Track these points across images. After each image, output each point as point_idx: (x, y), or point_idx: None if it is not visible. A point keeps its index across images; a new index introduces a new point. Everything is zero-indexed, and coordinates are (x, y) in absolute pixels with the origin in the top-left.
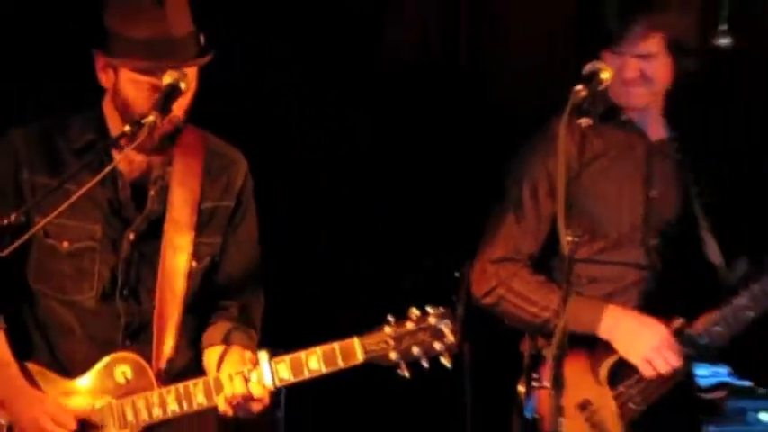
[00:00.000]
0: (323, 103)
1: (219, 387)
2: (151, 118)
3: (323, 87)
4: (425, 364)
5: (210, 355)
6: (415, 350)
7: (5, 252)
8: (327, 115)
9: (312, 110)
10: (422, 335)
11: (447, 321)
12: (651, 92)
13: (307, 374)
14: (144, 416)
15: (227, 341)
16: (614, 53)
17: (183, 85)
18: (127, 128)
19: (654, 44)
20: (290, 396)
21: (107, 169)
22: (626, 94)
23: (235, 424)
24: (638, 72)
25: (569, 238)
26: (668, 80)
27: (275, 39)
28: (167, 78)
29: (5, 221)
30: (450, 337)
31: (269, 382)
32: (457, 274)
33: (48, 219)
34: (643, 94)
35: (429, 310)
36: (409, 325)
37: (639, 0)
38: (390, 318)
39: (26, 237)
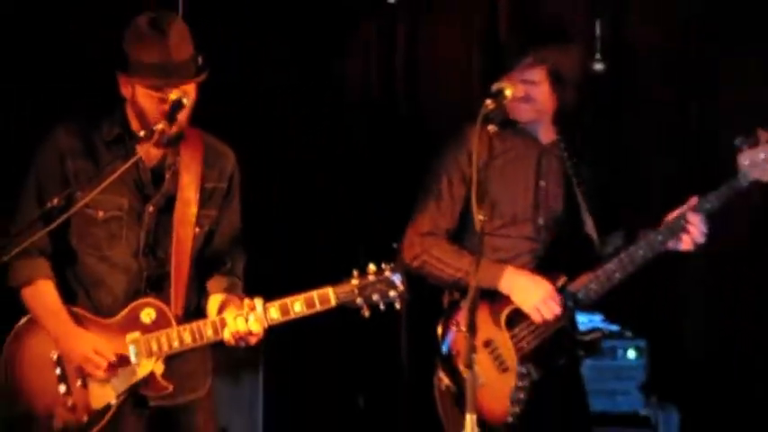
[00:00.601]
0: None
1: (224, 325)
2: (161, 126)
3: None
4: (382, 307)
5: (213, 301)
6: (375, 297)
7: (54, 224)
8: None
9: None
10: (380, 285)
11: (398, 275)
12: (534, 109)
13: (292, 315)
14: (165, 347)
15: (226, 291)
16: (509, 78)
17: (185, 101)
18: (143, 133)
19: (536, 73)
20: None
21: (132, 160)
22: (516, 109)
23: (226, 356)
24: (525, 93)
25: (480, 217)
26: (550, 102)
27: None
28: (173, 95)
29: (50, 204)
30: (401, 287)
31: (263, 321)
32: (394, 245)
33: (89, 196)
34: (528, 110)
35: (384, 265)
36: (370, 277)
37: (530, 39)
38: (355, 272)
39: (72, 211)
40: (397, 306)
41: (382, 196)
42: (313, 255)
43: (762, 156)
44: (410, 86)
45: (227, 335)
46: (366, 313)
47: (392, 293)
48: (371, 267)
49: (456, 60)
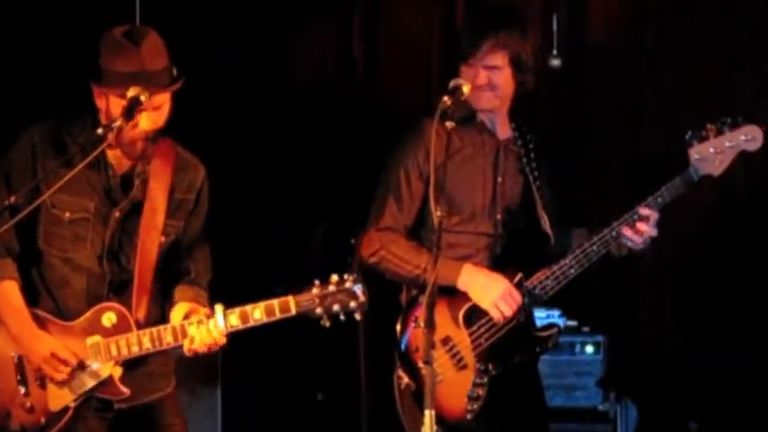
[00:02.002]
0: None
1: (184, 331)
2: (119, 123)
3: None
4: (342, 317)
5: (178, 310)
6: (336, 307)
7: (14, 220)
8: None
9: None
10: (340, 295)
11: (360, 285)
12: (497, 96)
13: (252, 323)
14: (125, 352)
15: (191, 300)
16: (469, 65)
17: (143, 98)
18: (100, 130)
19: (499, 58)
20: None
21: (94, 153)
22: (477, 97)
23: (185, 361)
24: (487, 80)
25: (438, 213)
26: (511, 88)
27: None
28: (131, 92)
29: (7, 202)
30: (362, 298)
31: (222, 328)
32: (352, 241)
33: (50, 191)
34: (490, 97)
35: (346, 276)
36: (331, 287)
37: (490, 23)
38: (317, 281)
39: (33, 206)
40: (358, 317)
41: (342, 184)
42: (275, 249)
43: (711, 150)
44: (369, 72)
45: (186, 342)
46: (326, 323)
47: (353, 304)
48: (333, 277)
49: (415, 46)
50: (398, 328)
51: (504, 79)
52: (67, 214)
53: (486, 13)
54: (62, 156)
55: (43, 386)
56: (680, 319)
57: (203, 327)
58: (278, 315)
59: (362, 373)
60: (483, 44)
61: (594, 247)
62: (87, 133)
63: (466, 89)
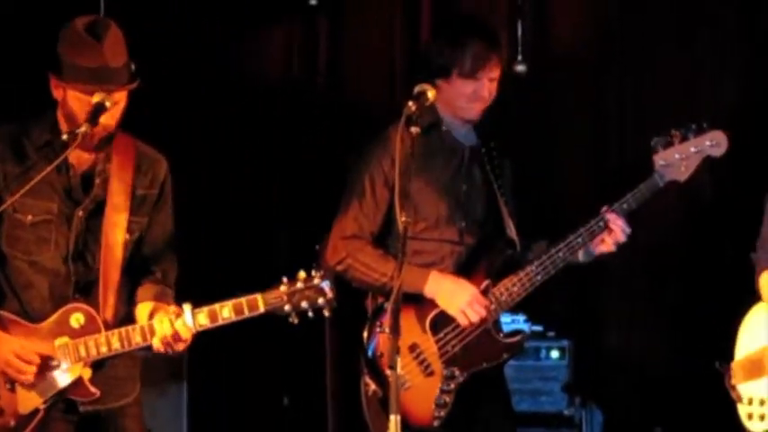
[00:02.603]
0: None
1: (152, 331)
2: (83, 129)
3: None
4: (311, 314)
5: (143, 309)
6: (304, 304)
7: None
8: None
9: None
10: (308, 292)
11: (327, 282)
12: (484, 107)
13: (220, 321)
14: (93, 353)
15: (155, 299)
16: (476, 79)
17: (108, 104)
18: (65, 136)
19: (498, 70)
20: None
21: (57, 161)
22: (471, 109)
23: (152, 362)
24: (490, 93)
25: (404, 219)
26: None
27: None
28: (96, 98)
29: None
30: (330, 295)
31: (191, 327)
32: (317, 247)
33: (14, 198)
34: (480, 109)
35: (314, 273)
36: (299, 284)
37: (495, 42)
38: (284, 279)
39: None
40: (326, 313)
41: (307, 191)
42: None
43: (677, 156)
44: (333, 76)
45: (155, 341)
46: (294, 320)
47: (321, 300)
48: (301, 274)
49: (378, 55)
50: (365, 335)
51: (495, 91)
52: (30, 217)
53: (482, 26)
54: (22, 161)
55: (12, 389)
56: (646, 324)
57: (169, 324)
58: (246, 313)
59: (329, 377)
60: (493, 58)
61: (561, 254)
62: (54, 136)
63: (431, 94)
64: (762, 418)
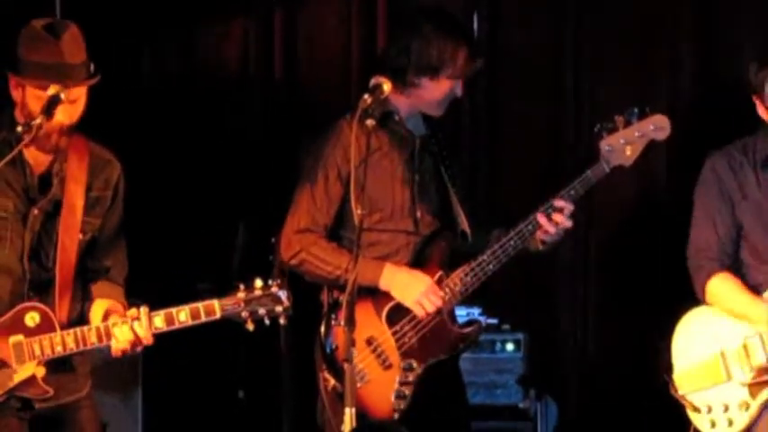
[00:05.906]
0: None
1: (108, 332)
2: (38, 120)
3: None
4: (267, 321)
5: (97, 308)
6: (261, 311)
7: None
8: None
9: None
10: (265, 300)
11: (285, 291)
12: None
13: (177, 325)
14: (48, 351)
15: (108, 297)
16: (455, 78)
17: (62, 95)
18: (19, 128)
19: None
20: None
21: (10, 155)
22: (443, 106)
23: (107, 361)
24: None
25: (359, 212)
26: None
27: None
28: (51, 90)
29: None
30: (287, 303)
31: (147, 330)
32: (272, 240)
33: None
34: (446, 106)
35: (270, 282)
36: (257, 291)
37: (476, 43)
38: (242, 285)
39: None
40: (282, 321)
41: (261, 185)
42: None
43: (621, 141)
44: (289, 71)
45: (114, 343)
46: (250, 327)
47: (278, 308)
48: (258, 282)
49: (334, 44)
50: (322, 330)
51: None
52: None
53: (464, 25)
54: None
55: None
56: (602, 318)
57: (127, 327)
58: (203, 318)
59: (284, 370)
60: (478, 60)
61: (512, 242)
62: (6, 131)
63: (386, 87)
64: (730, 423)
